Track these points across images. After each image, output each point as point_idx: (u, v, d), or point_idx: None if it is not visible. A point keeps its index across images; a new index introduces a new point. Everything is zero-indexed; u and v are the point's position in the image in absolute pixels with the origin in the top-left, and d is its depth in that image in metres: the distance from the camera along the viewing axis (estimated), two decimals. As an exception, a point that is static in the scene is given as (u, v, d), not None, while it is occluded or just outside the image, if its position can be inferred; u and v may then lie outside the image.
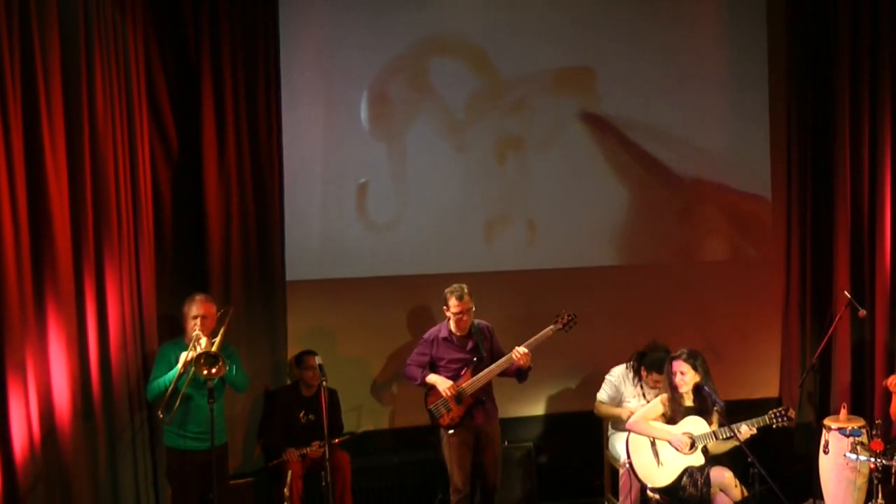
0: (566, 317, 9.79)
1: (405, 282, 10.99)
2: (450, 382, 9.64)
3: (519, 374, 9.78)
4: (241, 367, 9.32)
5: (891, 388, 10.17)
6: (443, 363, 9.80)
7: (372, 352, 10.97)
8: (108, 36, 8.71)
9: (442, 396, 9.65)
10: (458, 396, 9.63)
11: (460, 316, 9.68)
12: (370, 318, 10.92)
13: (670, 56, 11.43)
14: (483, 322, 9.97)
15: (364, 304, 10.92)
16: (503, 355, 9.77)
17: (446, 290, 9.72)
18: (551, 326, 9.74)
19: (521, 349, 9.58)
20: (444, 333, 9.86)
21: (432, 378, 9.74)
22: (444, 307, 9.75)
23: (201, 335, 8.85)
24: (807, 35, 11.48)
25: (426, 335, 9.98)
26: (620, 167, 11.42)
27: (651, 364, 10.17)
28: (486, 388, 9.82)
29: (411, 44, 10.88)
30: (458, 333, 9.79)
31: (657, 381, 10.09)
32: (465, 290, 9.67)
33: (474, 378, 9.67)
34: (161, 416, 8.82)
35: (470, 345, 9.80)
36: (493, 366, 9.70)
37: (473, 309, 9.74)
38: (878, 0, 11.11)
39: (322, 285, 10.79)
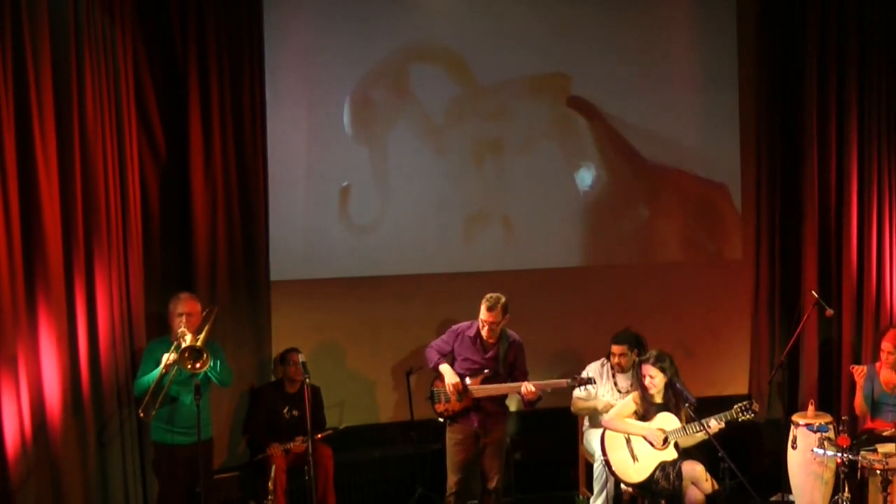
0: (584, 378, 9.74)
1: (386, 282, 11.05)
2: (457, 379, 9.52)
3: (529, 403, 9.67)
4: (226, 362, 9.33)
5: (855, 376, 10.27)
6: (460, 359, 9.69)
7: (354, 350, 11.02)
8: (97, 42, 8.74)
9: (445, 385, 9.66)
10: (460, 394, 9.61)
11: (486, 326, 9.51)
12: (352, 317, 11.00)
13: (644, 61, 11.53)
14: (516, 337, 9.78)
15: (346, 304, 10.99)
16: (523, 372, 9.71)
17: (486, 296, 9.52)
18: (567, 381, 9.70)
19: (531, 387, 9.46)
20: (472, 332, 9.68)
21: (444, 368, 9.60)
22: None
23: (186, 332, 8.88)
24: (776, 37, 11.64)
25: (456, 326, 9.82)
26: (592, 171, 11.51)
27: (613, 339, 10.33)
28: (497, 402, 9.71)
29: (392, 50, 10.95)
30: (486, 339, 9.66)
31: (614, 354, 10.26)
32: (500, 304, 9.44)
33: (481, 387, 9.56)
34: (142, 414, 8.86)
35: (491, 353, 9.65)
36: (502, 385, 9.58)
37: (502, 322, 9.52)
38: (844, 4, 11.25)
39: (305, 285, 10.84)
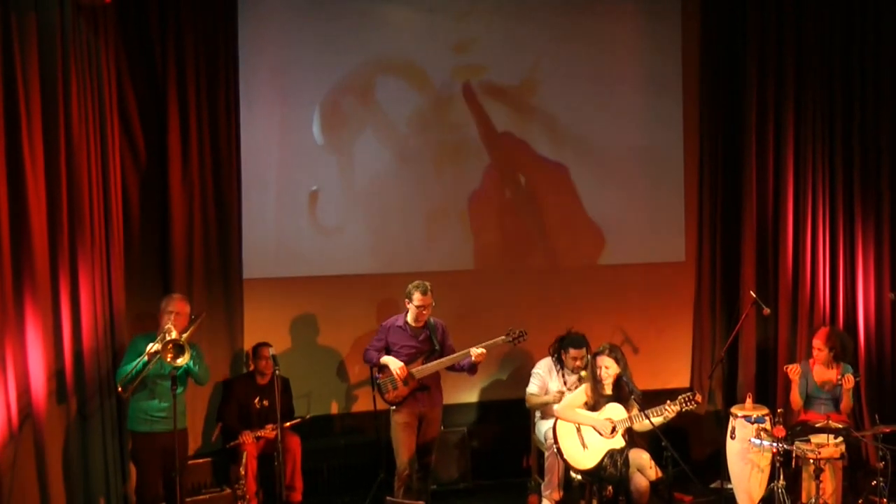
0: (517, 332, 9.94)
1: (351, 281, 11.12)
2: (401, 364, 9.75)
3: (472, 368, 9.94)
4: (204, 362, 9.45)
5: (789, 375, 10.41)
6: (396, 348, 9.89)
7: (321, 344, 11.10)
8: (83, 53, 8.81)
9: (391, 374, 9.81)
10: (406, 379, 9.76)
11: (422, 309, 9.78)
12: (320, 314, 11.08)
13: (595, 71, 11.64)
14: (438, 319, 10.08)
15: (314, 301, 11.07)
16: (453, 350, 9.97)
17: (411, 286, 9.79)
18: (503, 337, 9.90)
19: (479, 350, 9.75)
20: (399, 322, 9.95)
21: (386, 359, 9.83)
22: (407, 300, 9.81)
23: (172, 329, 8.98)
24: (718, 47, 11.75)
25: (384, 323, 10.08)
26: (547, 175, 11.65)
27: (569, 343, 10.41)
28: (434, 377, 9.96)
29: (359, 63, 11.04)
30: (414, 325, 9.89)
31: (575, 358, 10.32)
32: (429, 287, 9.78)
33: (425, 366, 9.80)
34: (120, 389, 9.00)
35: (423, 335, 9.91)
36: (445, 358, 9.86)
37: (434, 305, 9.86)
38: (783, 13, 11.45)
39: (276, 283, 10.94)
